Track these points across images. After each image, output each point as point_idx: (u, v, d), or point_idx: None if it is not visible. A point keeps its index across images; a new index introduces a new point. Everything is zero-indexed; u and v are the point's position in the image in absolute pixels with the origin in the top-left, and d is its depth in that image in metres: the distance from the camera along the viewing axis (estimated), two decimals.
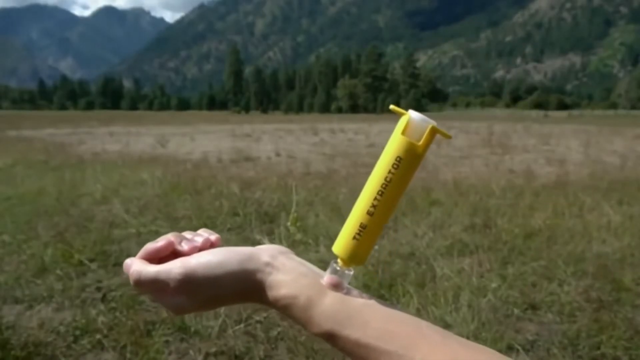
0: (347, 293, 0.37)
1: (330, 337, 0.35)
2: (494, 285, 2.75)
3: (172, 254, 0.41)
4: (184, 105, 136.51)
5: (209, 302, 0.40)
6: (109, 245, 3.54)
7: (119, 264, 3.21)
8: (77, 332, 2.27)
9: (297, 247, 3.50)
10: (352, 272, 0.37)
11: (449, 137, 0.35)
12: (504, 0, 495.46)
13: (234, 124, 30.15)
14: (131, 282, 0.41)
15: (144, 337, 2.18)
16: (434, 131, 0.34)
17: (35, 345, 2.13)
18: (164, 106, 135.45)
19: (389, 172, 0.34)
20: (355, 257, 0.37)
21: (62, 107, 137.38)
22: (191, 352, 2.12)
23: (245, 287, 0.39)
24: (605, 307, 2.50)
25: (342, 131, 20.30)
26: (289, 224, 3.75)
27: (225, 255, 0.40)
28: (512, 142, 14.64)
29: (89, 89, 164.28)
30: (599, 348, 2.17)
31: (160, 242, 0.41)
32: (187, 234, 0.44)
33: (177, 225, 4.09)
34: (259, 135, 17.80)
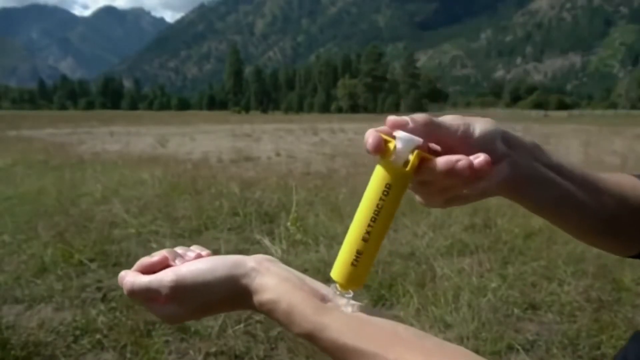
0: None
1: (311, 338, 0.37)
2: (494, 285, 2.75)
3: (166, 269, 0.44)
4: (184, 105, 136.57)
5: (199, 309, 0.42)
6: (109, 245, 3.53)
7: (119, 264, 3.21)
8: (77, 332, 2.27)
9: (297, 247, 3.50)
10: (351, 295, 0.39)
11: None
12: (504, 0, 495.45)
13: (234, 123, 30.17)
14: (125, 292, 0.43)
15: (144, 337, 2.19)
16: (420, 155, 0.35)
17: (35, 345, 2.13)
18: (164, 106, 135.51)
19: (380, 199, 0.35)
20: (353, 282, 0.38)
21: (62, 107, 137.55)
22: (191, 352, 2.12)
23: (233, 292, 0.40)
24: (605, 307, 2.50)
25: (342, 131, 20.31)
26: (289, 224, 3.75)
27: (214, 262, 0.41)
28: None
29: (89, 89, 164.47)
30: (599, 348, 2.17)
31: (155, 256, 0.44)
32: (180, 250, 0.46)
33: (177, 225, 4.09)
34: (259, 135, 17.81)
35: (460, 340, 2.21)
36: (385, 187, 0.35)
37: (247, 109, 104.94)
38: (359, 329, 0.36)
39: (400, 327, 0.36)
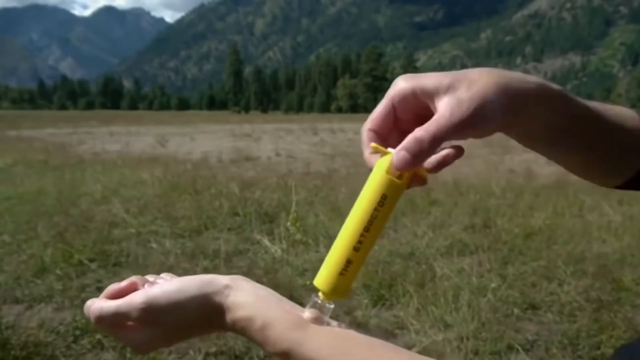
0: (328, 326, 0.38)
1: (286, 356, 0.36)
2: (494, 285, 2.75)
3: None
4: (184, 105, 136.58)
5: (172, 332, 0.40)
6: (109, 245, 3.53)
7: (119, 264, 3.21)
8: (77, 332, 2.27)
9: (297, 247, 3.50)
10: (332, 306, 0.38)
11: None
12: (504, 1, 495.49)
13: (234, 123, 30.17)
14: (92, 319, 0.41)
15: None
16: (414, 171, 0.35)
17: (35, 345, 2.13)
18: (164, 106, 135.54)
19: (375, 209, 0.35)
20: (339, 292, 0.37)
21: (62, 107, 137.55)
22: (191, 352, 2.12)
23: (206, 311, 0.39)
24: (605, 307, 2.50)
25: (342, 131, 20.31)
26: (289, 224, 3.75)
27: (186, 282, 0.40)
28: (512, 142, 14.47)
29: (89, 89, 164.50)
30: (599, 348, 2.17)
31: (123, 283, 0.42)
32: (150, 277, 0.44)
33: (177, 225, 4.09)
34: (259, 135, 17.81)
35: (460, 340, 2.21)
36: (382, 198, 0.35)
37: (247, 109, 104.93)
38: (335, 346, 0.35)
39: (377, 343, 0.35)
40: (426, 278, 2.90)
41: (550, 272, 2.99)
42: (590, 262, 3.13)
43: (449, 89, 0.34)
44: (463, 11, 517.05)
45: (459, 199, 5.03)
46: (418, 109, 0.36)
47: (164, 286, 0.40)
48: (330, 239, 3.60)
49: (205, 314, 0.39)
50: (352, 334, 0.36)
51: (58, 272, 3.00)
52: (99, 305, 0.41)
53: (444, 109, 0.34)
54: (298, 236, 3.64)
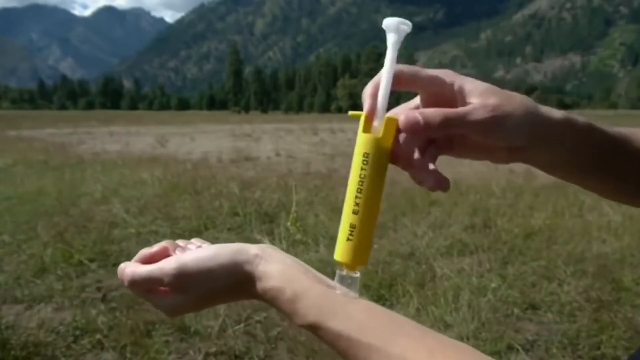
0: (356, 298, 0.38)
1: (314, 329, 0.36)
2: (493, 285, 2.75)
3: None
4: (184, 105, 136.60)
5: (202, 298, 0.41)
6: (108, 245, 3.53)
7: (118, 264, 3.19)
8: (77, 332, 2.27)
9: (297, 247, 3.50)
10: (358, 275, 0.38)
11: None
12: (504, 1, 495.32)
13: (233, 123, 30.17)
14: (125, 283, 0.42)
15: (144, 337, 2.18)
16: (390, 121, 0.36)
17: (35, 345, 2.13)
18: (164, 106, 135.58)
19: (361, 169, 0.36)
20: (355, 259, 0.37)
21: (62, 107, 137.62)
22: (191, 352, 2.12)
23: (236, 279, 0.39)
24: (605, 307, 2.50)
25: (342, 131, 20.30)
26: (289, 224, 3.75)
27: (217, 250, 0.40)
28: None
29: (89, 89, 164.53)
30: (599, 348, 2.17)
31: (155, 247, 0.43)
32: (181, 242, 0.45)
33: (177, 225, 4.09)
34: (258, 135, 17.81)
35: (460, 340, 2.20)
36: (364, 156, 0.36)
37: (247, 109, 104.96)
38: (364, 322, 0.35)
39: (405, 321, 0.36)
40: (426, 278, 2.90)
41: (550, 272, 2.99)
42: (590, 262, 3.13)
43: (482, 93, 0.35)
44: (463, 11, 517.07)
45: (459, 199, 5.03)
46: (440, 101, 0.37)
47: (195, 253, 0.40)
48: (331, 239, 3.60)
49: (236, 282, 0.40)
50: (379, 310, 0.37)
51: (58, 272, 3.00)
52: (131, 269, 0.42)
53: (470, 106, 0.35)
54: (298, 236, 3.64)
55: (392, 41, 0.37)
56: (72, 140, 15.22)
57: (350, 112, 0.38)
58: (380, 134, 0.36)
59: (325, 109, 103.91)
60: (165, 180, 6.24)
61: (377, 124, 0.36)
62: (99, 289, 2.78)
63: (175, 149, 12.27)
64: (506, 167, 8.28)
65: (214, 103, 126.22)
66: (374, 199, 0.37)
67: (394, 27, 0.37)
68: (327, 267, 3.05)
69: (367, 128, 0.36)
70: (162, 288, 0.41)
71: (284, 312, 0.38)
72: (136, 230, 3.92)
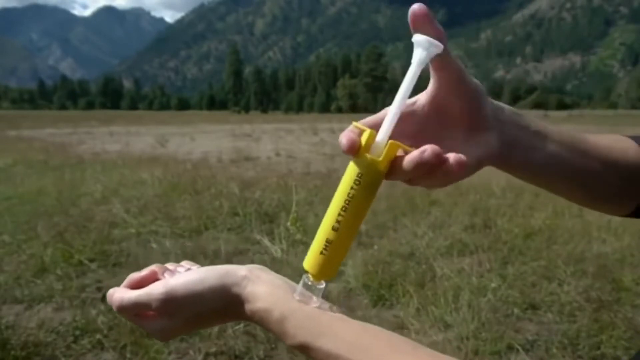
0: (319, 307, 0.38)
1: (304, 349, 0.36)
2: (493, 285, 2.75)
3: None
4: (184, 105, 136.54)
5: (191, 322, 0.41)
6: (108, 245, 3.53)
7: (118, 264, 3.21)
8: (77, 332, 2.27)
9: (297, 247, 3.50)
10: (323, 286, 0.38)
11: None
12: (504, 1, 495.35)
13: (233, 123, 30.17)
14: (114, 308, 0.42)
15: (144, 337, 2.18)
16: (393, 147, 0.34)
17: (35, 345, 2.13)
18: (164, 106, 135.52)
19: (351, 187, 0.35)
20: (323, 272, 0.37)
21: (62, 107, 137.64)
22: (191, 352, 2.12)
23: (225, 301, 0.39)
24: (605, 307, 2.50)
25: (342, 131, 20.17)
26: (289, 224, 3.75)
27: (204, 272, 0.40)
28: None
29: (89, 89, 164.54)
30: (599, 348, 2.17)
31: (144, 271, 0.43)
32: (170, 266, 0.45)
33: (177, 225, 4.09)
34: (258, 135, 17.81)
35: (460, 340, 2.21)
36: (357, 176, 0.35)
37: (247, 109, 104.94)
38: (353, 340, 0.35)
39: (395, 338, 0.36)
40: (426, 278, 2.90)
41: (550, 272, 2.99)
42: (590, 262, 3.13)
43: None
44: (463, 11, 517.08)
45: (459, 199, 5.03)
46: (448, 108, 0.38)
47: (182, 277, 0.40)
48: None
49: (224, 305, 0.39)
50: (371, 328, 0.37)
51: (58, 272, 3.00)
52: (119, 295, 0.42)
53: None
54: (298, 236, 3.64)
55: (418, 58, 0.35)
56: (72, 140, 15.22)
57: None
58: (380, 158, 0.34)
59: (325, 109, 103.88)
60: (165, 180, 6.24)
61: (379, 144, 0.35)
62: (99, 289, 2.78)
63: (175, 149, 12.27)
64: None
65: (214, 103, 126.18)
66: (357, 220, 0.36)
67: (425, 45, 0.35)
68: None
69: (368, 147, 0.35)
70: (151, 313, 0.41)
71: (273, 332, 0.38)
72: (136, 230, 3.92)
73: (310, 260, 0.38)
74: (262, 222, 4.22)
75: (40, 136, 16.98)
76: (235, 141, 14.81)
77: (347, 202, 0.35)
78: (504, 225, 4.03)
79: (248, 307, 0.39)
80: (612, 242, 3.58)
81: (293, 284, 0.41)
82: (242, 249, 3.57)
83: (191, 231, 3.97)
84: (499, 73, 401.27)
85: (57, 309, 2.55)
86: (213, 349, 2.12)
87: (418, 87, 0.38)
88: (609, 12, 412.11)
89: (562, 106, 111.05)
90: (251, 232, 3.93)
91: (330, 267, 0.37)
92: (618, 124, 30.49)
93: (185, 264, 0.45)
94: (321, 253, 0.37)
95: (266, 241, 3.60)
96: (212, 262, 3.31)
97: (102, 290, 2.76)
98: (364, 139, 0.35)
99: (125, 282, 0.43)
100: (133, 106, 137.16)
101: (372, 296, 2.70)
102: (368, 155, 0.35)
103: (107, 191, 5.51)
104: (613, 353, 2.12)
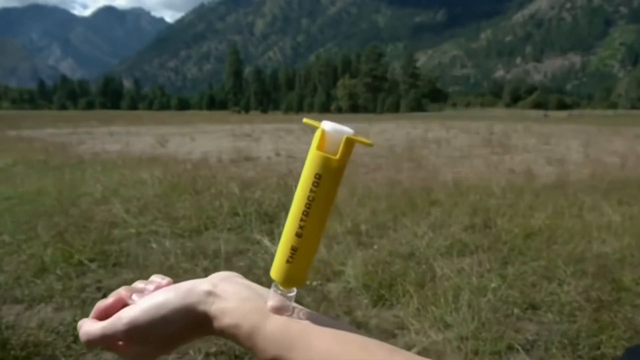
0: (292, 314, 0.37)
1: None
2: (494, 285, 2.75)
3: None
4: (184, 105, 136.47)
5: (163, 344, 0.40)
6: (108, 245, 3.53)
7: (118, 264, 3.21)
8: (77, 332, 2.26)
9: None
10: (294, 293, 0.37)
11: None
12: (504, 1, 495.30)
13: (233, 123, 30.17)
14: (82, 343, 0.41)
15: None
16: (350, 142, 0.33)
17: (35, 345, 2.13)
18: (164, 106, 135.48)
19: (310, 190, 0.34)
20: (293, 280, 0.36)
21: (62, 107, 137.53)
22: (191, 352, 2.12)
23: (192, 321, 0.38)
24: (605, 307, 2.50)
25: None
26: None
27: (165, 295, 0.39)
28: (512, 142, 14.64)
29: (89, 89, 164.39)
30: (599, 348, 2.17)
31: (110, 299, 0.41)
32: (139, 284, 0.43)
33: (177, 225, 4.09)
34: (258, 135, 17.81)
35: (460, 340, 2.21)
36: (315, 177, 0.34)
37: (247, 109, 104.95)
38: (326, 350, 0.34)
39: (371, 344, 0.35)
40: (426, 278, 2.90)
41: (550, 272, 2.99)
42: (590, 262, 3.13)
43: None
44: (463, 11, 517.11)
45: (459, 199, 5.03)
46: None
47: (145, 303, 0.39)
48: (330, 239, 3.61)
49: (193, 323, 0.38)
50: (344, 335, 0.35)
51: (58, 272, 2.99)
52: (85, 329, 0.41)
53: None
54: None
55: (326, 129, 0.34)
56: (72, 140, 15.22)
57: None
58: (337, 156, 0.33)
59: (325, 109, 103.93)
60: (165, 180, 6.24)
61: (333, 140, 0.33)
62: (99, 289, 2.78)
63: (175, 149, 12.27)
64: (506, 167, 8.30)
65: (214, 103, 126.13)
66: (320, 222, 0.35)
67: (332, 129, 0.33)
68: (327, 268, 3.05)
69: (322, 145, 0.33)
70: (120, 343, 0.40)
71: (245, 348, 0.37)
72: (136, 230, 3.92)
73: (277, 269, 0.36)
74: (262, 222, 4.22)
75: (40, 136, 16.97)
76: (235, 141, 14.81)
77: (307, 205, 0.34)
78: (504, 225, 4.02)
79: (216, 324, 0.37)
80: (612, 242, 3.58)
81: (263, 291, 0.39)
82: (242, 248, 3.57)
83: (191, 231, 3.97)
84: (499, 73, 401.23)
85: (57, 309, 2.55)
86: (213, 349, 2.12)
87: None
88: (609, 12, 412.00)
89: (562, 106, 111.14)
90: (251, 232, 3.93)
91: (298, 274, 0.36)
92: (618, 124, 30.49)
93: (155, 277, 0.43)
94: (287, 262, 0.35)
95: (266, 241, 3.60)
96: (212, 262, 3.31)
97: (102, 290, 2.76)
98: (316, 135, 0.34)
99: (92, 313, 0.42)
100: (133, 106, 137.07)
101: (372, 296, 2.70)
102: (323, 154, 0.33)
103: (107, 191, 5.51)
104: (613, 353, 2.12)
